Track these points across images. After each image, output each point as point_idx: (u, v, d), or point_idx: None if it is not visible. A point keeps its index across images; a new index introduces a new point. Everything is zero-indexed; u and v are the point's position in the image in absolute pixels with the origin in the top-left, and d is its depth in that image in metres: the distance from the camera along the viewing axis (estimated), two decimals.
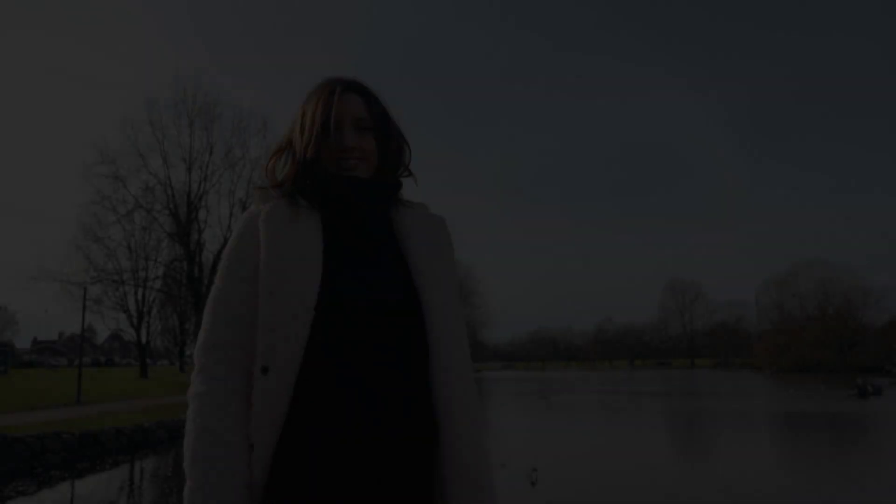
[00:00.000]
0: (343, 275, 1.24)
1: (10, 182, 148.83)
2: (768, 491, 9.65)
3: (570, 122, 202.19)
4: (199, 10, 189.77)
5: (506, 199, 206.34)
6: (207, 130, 33.21)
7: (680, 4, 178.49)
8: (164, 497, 9.73)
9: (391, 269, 1.31)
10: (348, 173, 1.34)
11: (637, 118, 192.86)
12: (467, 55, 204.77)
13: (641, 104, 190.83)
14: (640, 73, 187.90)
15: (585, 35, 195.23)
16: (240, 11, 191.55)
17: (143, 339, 40.20)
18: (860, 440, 15.02)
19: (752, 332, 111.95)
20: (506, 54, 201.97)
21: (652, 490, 9.78)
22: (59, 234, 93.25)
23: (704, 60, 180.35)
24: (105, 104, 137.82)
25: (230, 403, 1.20)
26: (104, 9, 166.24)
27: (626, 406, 27.33)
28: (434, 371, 1.25)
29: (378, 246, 1.33)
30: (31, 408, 18.13)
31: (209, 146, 33.23)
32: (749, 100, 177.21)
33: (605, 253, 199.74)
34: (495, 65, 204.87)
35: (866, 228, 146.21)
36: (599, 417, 22.55)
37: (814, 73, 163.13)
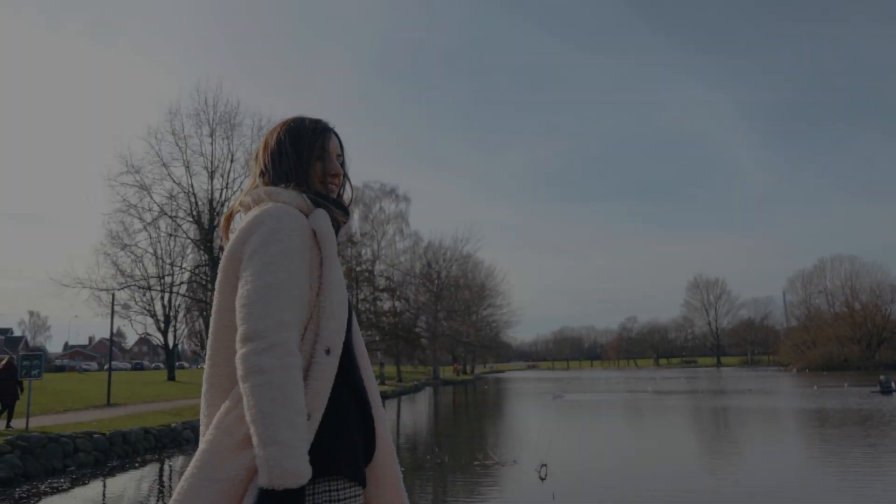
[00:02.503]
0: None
1: (40, 193, 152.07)
2: (776, 487, 9.83)
3: (590, 121, 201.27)
4: (218, 19, 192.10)
5: (528, 199, 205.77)
6: (228, 139, 33.85)
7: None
8: None
9: None
10: (332, 196, 1.73)
11: (658, 117, 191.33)
12: (487, 56, 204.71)
13: (663, 103, 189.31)
14: (660, 71, 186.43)
15: (604, 34, 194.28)
16: (258, 20, 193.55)
17: (171, 343, 41.08)
18: (872, 435, 15.07)
19: (779, 330, 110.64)
20: (525, 55, 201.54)
21: (662, 486, 9.97)
22: (87, 242, 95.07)
23: (726, 56, 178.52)
24: (130, 114, 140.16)
25: (301, 377, 1.37)
26: (127, 20, 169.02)
27: (646, 405, 27.39)
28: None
29: None
30: (65, 410, 18.82)
31: (230, 154, 33.90)
32: (772, 96, 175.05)
33: (628, 252, 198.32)
34: (515, 66, 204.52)
35: (893, 223, 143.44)
36: (618, 416, 22.70)
37: (836, 67, 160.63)
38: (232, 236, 1.54)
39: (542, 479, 10.34)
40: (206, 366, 1.52)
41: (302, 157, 1.65)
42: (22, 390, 14.36)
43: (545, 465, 10.97)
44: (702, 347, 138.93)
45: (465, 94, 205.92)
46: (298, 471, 1.27)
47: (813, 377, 52.78)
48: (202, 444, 1.41)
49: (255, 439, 1.30)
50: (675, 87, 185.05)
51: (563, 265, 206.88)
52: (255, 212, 1.52)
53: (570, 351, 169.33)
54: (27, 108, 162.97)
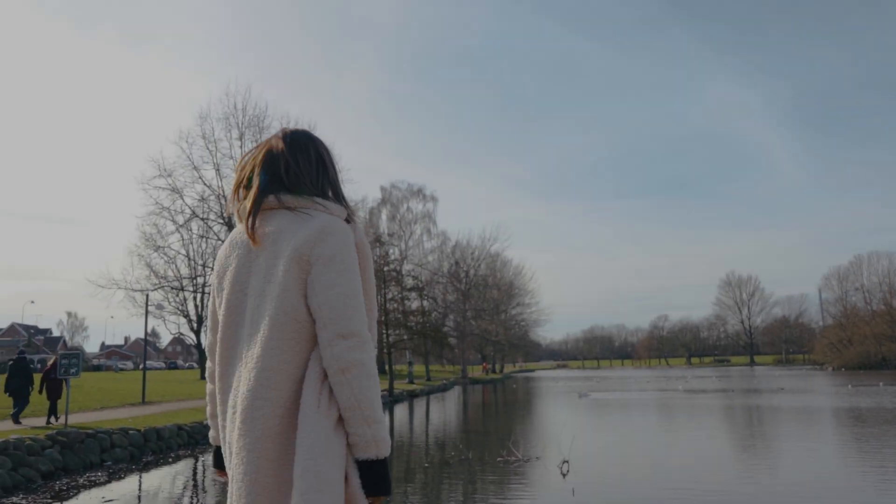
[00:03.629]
0: None
1: (76, 196, 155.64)
2: (799, 487, 9.82)
3: (619, 118, 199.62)
4: (247, 24, 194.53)
5: (557, 197, 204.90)
6: (257, 141, 34.30)
7: None
8: (223, 488, 10.49)
9: None
10: None
11: (689, 112, 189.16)
12: (514, 55, 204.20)
13: (694, 98, 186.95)
14: (690, 66, 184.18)
15: (632, 30, 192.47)
16: (286, 23, 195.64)
17: (203, 343, 41.92)
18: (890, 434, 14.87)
19: (815, 328, 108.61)
20: (553, 53, 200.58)
21: (683, 485, 10.01)
22: (122, 244, 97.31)
23: (758, 49, 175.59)
24: (162, 119, 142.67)
25: None
26: (158, 26, 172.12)
27: (674, 403, 27.25)
28: None
29: None
30: (101, 407, 19.40)
31: None
32: (807, 88, 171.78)
33: (658, 249, 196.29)
34: (543, 64, 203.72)
35: None
36: (644, 414, 22.63)
37: (873, 57, 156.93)
38: (275, 231, 1.69)
39: (564, 475, 10.45)
40: (261, 346, 1.62)
41: (336, 174, 1.86)
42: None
43: (567, 462, 11.09)
44: (735, 346, 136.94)
45: (493, 92, 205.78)
46: (389, 441, 1.63)
47: (849, 376, 51.81)
48: (307, 426, 1.55)
49: (356, 420, 1.56)
50: (706, 82, 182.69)
51: (592, 263, 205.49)
52: (322, 220, 1.68)
53: (600, 350, 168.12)
54: (63, 113, 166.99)
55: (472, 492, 9.92)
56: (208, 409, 1.88)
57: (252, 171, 1.81)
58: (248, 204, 1.74)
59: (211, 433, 1.88)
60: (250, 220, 1.72)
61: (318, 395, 1.59)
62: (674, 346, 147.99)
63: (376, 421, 1.57)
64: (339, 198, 1.81)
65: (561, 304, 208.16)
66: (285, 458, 1.58)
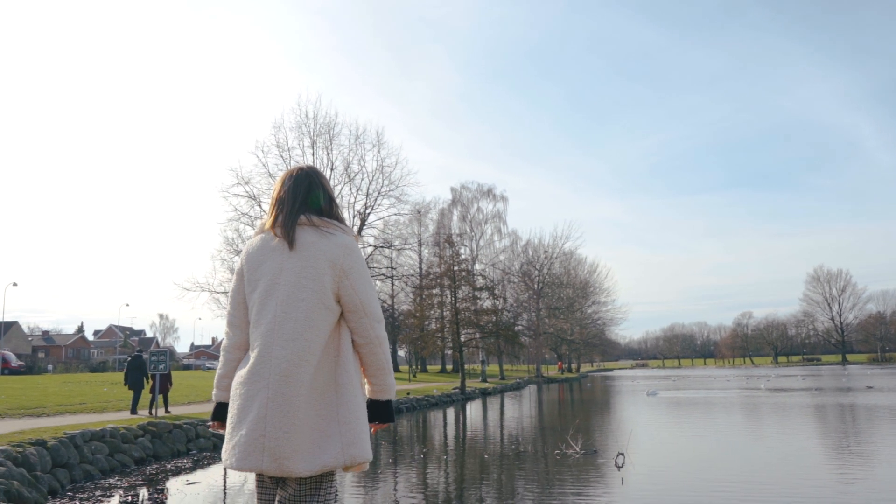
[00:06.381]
0: None
1: (167, 205, 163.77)
2: (868, 492, 9.72)
3: (696, 111, 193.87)
4: (325, 30, 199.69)
5: (631, 193, 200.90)
6: (327, 148, 35.67)
7: None
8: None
9: None
10: None
11: (771, 102, 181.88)
12: (587, 49, 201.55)
13: (775, 87, 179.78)
14: (771, 53, 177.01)
15: (709, 18, 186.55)
16: (360, 27, 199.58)
17: None
18: None
19: None
20: (627, 46, 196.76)
21: (737, 483, 10.03)
22: (206, 248, 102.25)
23: (844, 32, 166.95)
24: (240, 130, 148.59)
25: None
26: (231, 41, 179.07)
27: (752, 402, 26.63)
28: None
29: None
30: (188, 402, 20.79)
31: (330, 163, 35.69)
32: None
33: (740, 244, 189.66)
34: (617, 57, 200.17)
35: None
36: (717, 413, 22.28)
37: None
38: (307, 242, 2.31)
39: (619, 467, 10.70)
40: (300, 323, 2.23)
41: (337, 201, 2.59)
42: (149, 381, 16.38)
43: (622, 455, 11.31)
44: (825, 344, 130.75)
45: (564, 88, 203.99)
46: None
47: None
48: (348, 385, 2.26)
49: (383, 374, 2.35)
50: (788, 68, 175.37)
51: (671, 259, 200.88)
52: (343, 238, 2.34)
53: (681, 348, 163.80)
54: (161, 125, 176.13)
55: (526, 480, 10.29)
56: (221, 371, 2.41)
57: (285, 195, 2.41)
58: (284, 219, 2.35)
59: (216, 392, 2.41)
60: (290, 231, 2.32)
61: (355, 361, 2.32)
62: (759, 345, 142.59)
63: (392, 375, 2.37)
64: (342, 220, 2.49)
65: (639, 301, 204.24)
66: (316, 400, 2.21)
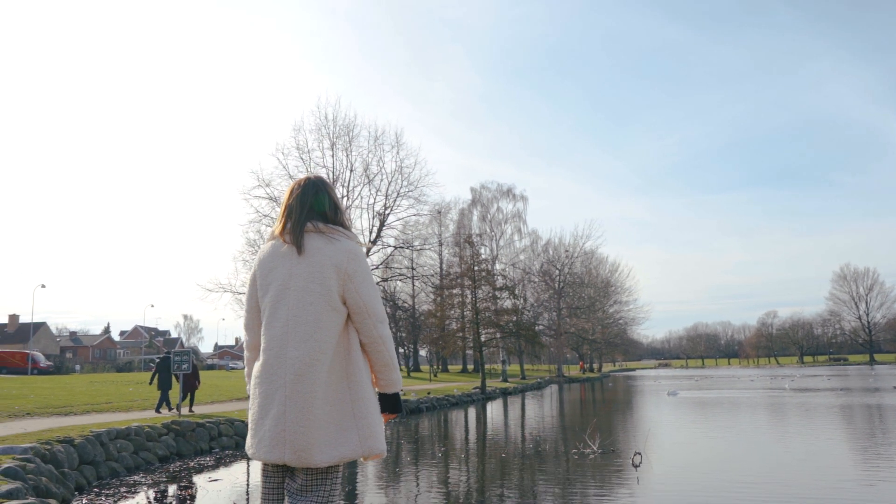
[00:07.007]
0: None
1: (190, 207, 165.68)
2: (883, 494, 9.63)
3: (718, 108, 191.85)
4: (344, 32, 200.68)
5: (652, 192, 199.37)
6: (347, 150, 35.86)
7: None
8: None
9: None
10: None
11: (794, 98, 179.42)
12: (607, 46, 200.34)
13: (799, 83, 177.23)
14: (795, 47, 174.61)
15: (731, 12, 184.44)
16: (380, 29, 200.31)
17: None
18: None
19: None
20: (648, 42, 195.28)
21: (754, 483, 10.00)
22: (228, 250, 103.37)
23: (871, 25, 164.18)
24: (262, 133, 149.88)
25: None
26: (254, 44, 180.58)
27: (773, 402, 26.37)
28: None
29: None
30: (212, 401, 21.10)
31: (349, 165, 35.89)
32: None
33: (764, 243, 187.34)
34: (637, 54, 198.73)
35: None
36: (736, 413, 22.11)
37: None
38: (314, 248, 2.45)
39: (636, 466, 10.71)
40: (311, 324, 2.38)
41: (343, 208, 2.81)
42: (178, 381, 16.70)
43: (639, 454, 11.32)
44: (852, 344, 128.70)
45: (585, 87, 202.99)
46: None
47: None
48: (360, 381, 2.42)
49: (389, 370, 2.50)
50: (813, 64, 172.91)
51: (694, 259, 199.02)
52: (347, 244, 2.48)
53: (705, 348, 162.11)
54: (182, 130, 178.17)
55: (542, 479, 10.35)
56: (246, 370, 2.64)
57: (293, 203, 2.56)
58: (293, 226, 2.50)
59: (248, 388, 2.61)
60: (298, 238, 2.47)
61: (364, 359, 2.48)
62: (784, 344, 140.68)
63: (397, 369, 2.55)
64: (347, 227, 2.62)
65: (661, 301, 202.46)
66: (331, 396, 2.36)
